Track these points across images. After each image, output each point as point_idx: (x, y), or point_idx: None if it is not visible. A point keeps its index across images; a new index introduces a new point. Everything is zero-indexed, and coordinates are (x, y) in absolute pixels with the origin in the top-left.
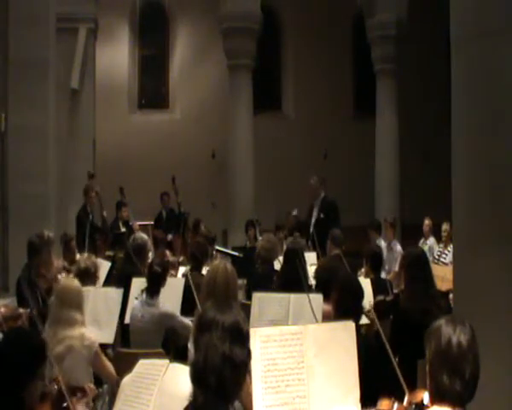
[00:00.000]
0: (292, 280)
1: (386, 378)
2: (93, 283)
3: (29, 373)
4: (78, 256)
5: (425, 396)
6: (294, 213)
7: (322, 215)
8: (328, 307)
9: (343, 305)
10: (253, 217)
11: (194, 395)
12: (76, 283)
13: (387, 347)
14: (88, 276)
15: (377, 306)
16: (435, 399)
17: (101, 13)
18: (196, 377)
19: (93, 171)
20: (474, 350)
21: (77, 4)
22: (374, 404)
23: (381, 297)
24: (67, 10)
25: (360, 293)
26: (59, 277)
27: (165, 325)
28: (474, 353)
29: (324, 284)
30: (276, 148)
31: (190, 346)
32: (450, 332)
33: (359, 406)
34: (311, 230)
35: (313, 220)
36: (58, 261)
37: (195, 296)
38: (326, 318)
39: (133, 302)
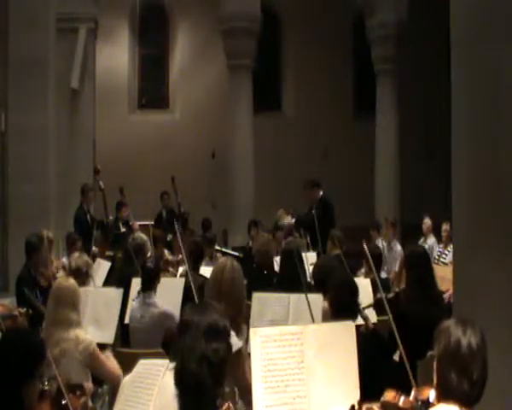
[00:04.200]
0: (289, 280)
1: (388, 377)
2: (85, 282)
3: (27, 373)
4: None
5: (431, 393)
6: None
7: (313, 211)
8: (327, 306)
9: (338, 303)
10: (255, 218)
11: (178, 398)
12: (71, 282)
13: (399, 342)
14: (79, 275)
15: (377, 303)
16: (442, 396)
17: (101, 13)
18: (177, 382)
19: (99, 167)
20: (484, 353)
21: (77, 4)
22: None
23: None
24: (67, 10)
25: (354, 289)
26: (58, 275)
27: (165, 325)
28: (484, 356)
29: (320, 284)
30: (276, 148)
31: None
32: (460, 334)
33: (356, 404)
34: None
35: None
36: (58, 261)
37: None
38: (325, 316)
39: (132, 303)
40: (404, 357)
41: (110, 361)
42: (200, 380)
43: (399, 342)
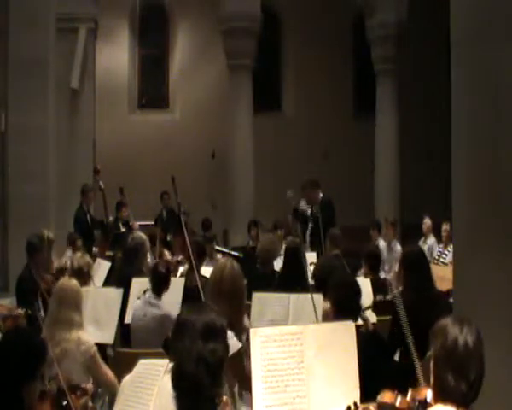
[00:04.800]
0: (294, 278)
1: (388, 377)
2: (86, 282)
3: (28, 373)
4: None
5: (428, 394)
6: (290, 193)
7: (315, 210)
8: (328, 306)
9: (340, 303)
10: (255, 218)
11: (175, 399)
12: (74, 283)
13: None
14: (81, 275)
15: (377, 306)
16: (439, 397)
17: (101, 13)
18: (174, 383)
19: (99, 167)
20: (480, 351)
21: (77, 4)
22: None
23: (380, 297)
24: (67, 10)
25: (357, 290)
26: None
27: (166, 327)
28: (480, 354)
29: (321, 284)
30: (276, 148)
31: None
32: (457, 332)
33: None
34: (309, 230)
35: (311, 218)
36: (59, 261)
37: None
38: (325, 316)
39: (133, 302)
40: (415, 353)
41: (107, 369)
42: (198, 381)
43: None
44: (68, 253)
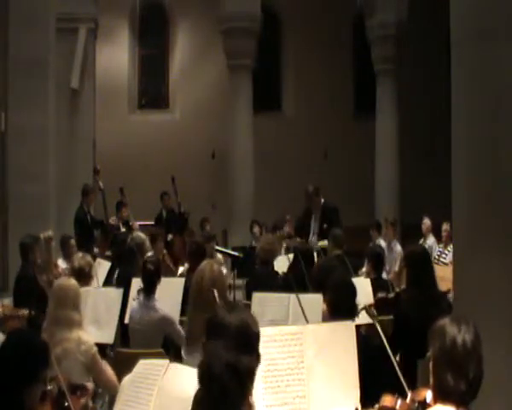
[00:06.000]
0: (303, 279)
1: (388, 377)
2: (87, 283)
3: (30, 376)
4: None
5: (428, 394)
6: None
7: (325, 225)
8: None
9: (335, 304)
10: (255, 218)
11: (200, 392)
12: (73, 282)
13: (385, 344)
14: (82, 275)
15: (378, 303)
16: (439, 397)
17: (101, 13)
18: (200, 381)
19: (99, 167)
20: (479, 350)
21: (77, 4)
22: (374, 404)
23: (382, 294)
24: (67, 10)
25: (352, 291)
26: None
27: (164, 330)
28: (479, 352)
29: (320, 284)
30: (276, 148)
31: (183, 353)
32: (455, 332)
33: (359, 406)
34: (311, 238)
35: (316, 229)
36: (58, 263)
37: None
38: (325, 317)
39: (132, 303)
40: (394, 359)
41: (107, 369)
42: (225, 384)
43: (386, 343)
44: (59, 261)
